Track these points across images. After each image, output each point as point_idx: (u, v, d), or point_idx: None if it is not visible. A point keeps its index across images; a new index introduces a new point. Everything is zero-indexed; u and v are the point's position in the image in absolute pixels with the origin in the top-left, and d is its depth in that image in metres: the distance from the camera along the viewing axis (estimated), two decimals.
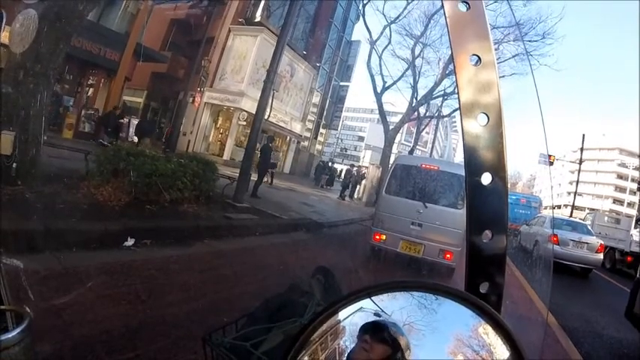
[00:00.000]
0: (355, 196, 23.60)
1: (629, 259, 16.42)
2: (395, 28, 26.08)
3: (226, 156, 22.79)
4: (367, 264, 8.31)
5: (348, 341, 0.74)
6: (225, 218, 8.55)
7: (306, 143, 32.33)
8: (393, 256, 8.24)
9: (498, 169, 0.92)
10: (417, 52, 26.38)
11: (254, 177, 12.40)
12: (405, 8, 25.21)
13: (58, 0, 6.96)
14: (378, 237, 8.40)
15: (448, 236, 8.08)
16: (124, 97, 19.77)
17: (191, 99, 21.98)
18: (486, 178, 0.92)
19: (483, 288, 0.90)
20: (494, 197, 0.93)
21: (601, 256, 13.75)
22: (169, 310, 4.01)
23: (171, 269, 5.35)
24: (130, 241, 5.63)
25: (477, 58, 0.91)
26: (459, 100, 0.92)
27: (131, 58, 18.81)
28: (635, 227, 20.83)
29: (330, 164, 31.05)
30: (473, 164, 0.93)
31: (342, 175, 25.94)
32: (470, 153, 0.93)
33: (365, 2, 25.97)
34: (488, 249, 0.91)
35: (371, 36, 25.55)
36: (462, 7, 0.91)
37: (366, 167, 25.77)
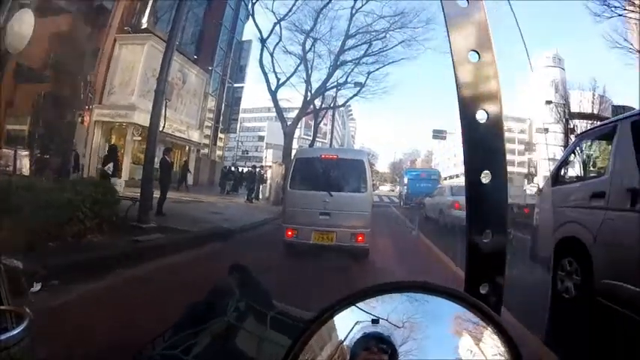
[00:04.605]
0: (262, 196, 23.55)
1: (525, 210, 17.70)
2: (285, 25, 26.19)
3: (125, 176, 21.44)
4: (284, 261, 8.48)
5: (346, 345, 0.73)
6: (134, 242, 8.23)
7: (206, 151, 31.68)
8: (308, 249, 8.39)
9: (498, 167, 0.91)
10: (308, 47, 26.83)
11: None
12: (294, 4, 25.42)
13: None
14: (290, 233, 8.55)
15: (357, 220, 8.38)
16: (6, 126, 18.21)
17: (80, 119, 20.48)
18: (486, 177, 0.91)
19: (483, 289, 0.90)
20: (493, 196, 0.92)
21: None
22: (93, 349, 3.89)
23: (85, 307, 5.11)
24: (37, 287, 5.19)
25: (475, 54, 0.91)
26: (458, 97, 0.92)
27: (12, 81, 17.24)
28: (528, 183, 22.43)
29: (232, 169, 30.68)
30: (472, 162, 0.92)
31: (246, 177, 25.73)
32: (469, 151, 0.92)
33: (254, 1, 25.79)
34: (488, 249, 0.91)
35: (261, 34, 25.40)
36: (462, 3, 0.91)
37: (269, 166, 25.77)
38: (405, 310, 0.74)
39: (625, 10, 18.64)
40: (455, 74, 0.91)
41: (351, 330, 0.73)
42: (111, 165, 13.75)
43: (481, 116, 0.90)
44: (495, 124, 0.90)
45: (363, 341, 0.72)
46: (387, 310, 0.74)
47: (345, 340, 0.73)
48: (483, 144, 0.91)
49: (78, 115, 20.24)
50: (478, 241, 0.91)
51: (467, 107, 0.91)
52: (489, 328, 0.73)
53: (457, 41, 0.91)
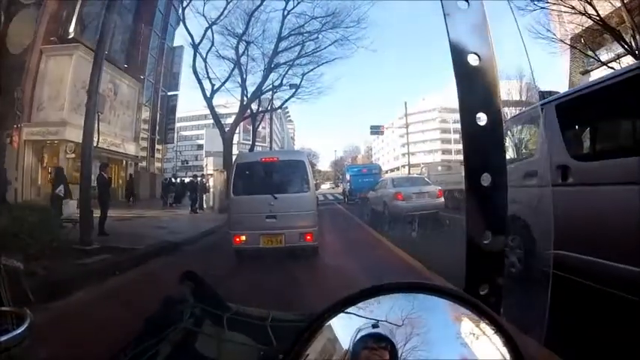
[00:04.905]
0: (206, 205, 23.28)
1: None
2: (217, 29, 25.97)
3: None
4: (236, 268, 8.42)
5: (346, 346, 0.73)
6: (79, 266, 7.86)
7: (144, 163, 30.75)
8: (258, 253, 8.42)
9: (498, 169, 0.91)
10: (241, 51, 26.64)
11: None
12: (226, 8, 25.07)
13: None
14: (238, 239, 8.51)
15: (303, 219, 8.50)
16: None
17: (8, 139, 18.92)
18: (486, 179, 0.90)
19: (483, 289, 0.91)
20: (493, 198, 0.91)
21: (442, 199, 15.34)
22: None
23: (39, 340, 4.83)
24: None
25: (476, 56, 0.90)
26: (458, 100, 0.91)
27: None
28: None
29: (173, 180, 30.02)
30: (472, 165, 0.92)
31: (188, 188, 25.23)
32: (469, 153, 0.92)
33: (184, 6, 25.27)
34: (487, 250, 0.91)
35: (193, 40, 24.86)
36: (462, 5, 0.91)
37: (211, 174, 25.44)
38: (405, 309, 0.74)
39: (547, 2, 19.66)
40: (455, 77, 0.91)
41: (350, 331, 0.73)
42: (61, 187, 13.28)
43: (481, 119, 0.90)
44: (495, 127, 0.91)
45: (362, 341, 0.72)
46: (385, 311, 0.74)
47: (344, 341, 0.73)
48: (483, 146, 0.91)
49: (6, 135, 18.88)
50: (477, 242, 0.92)
51: (467, 110, 0.91)
52: (490, 328, 0.73)
53: (457, 44, 0.92)
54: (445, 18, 0.91)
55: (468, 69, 0.91)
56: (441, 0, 0.91)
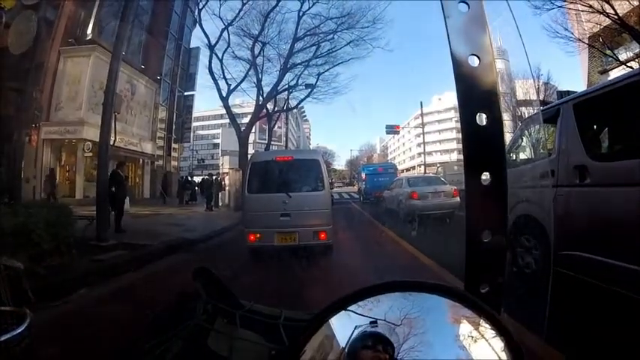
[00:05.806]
0: (222, 203, 23.38)
1: None
2: (233, 30, 26.04)
3: (79, 195, 21.03)
4: (250, 266, 8.47)
5: (345, 345, 0.73)
6: (95, 262, 8.00)
7: (160, 162, 30.99)
8: (272, 251, 8.40)
9: (498, 168, 0.91)
10: (257, 51, 26.63)
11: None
12: (241, 9, 25.15)
13: None
14: (253, 237, 8.55)
15: (317, 218, 8.51)
16: None
17: (27, 138, 19.12)
18: (486, 178, 0.91)
19: (483, 288, 0.91)
20: (493, 197, 0.92)
21: (458, 199, 14.93)
22: None
23: (51, 336, 4.88)
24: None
25: (476, 58, 0.91)
26: (458, 100, 0.92)
27: None
28: None
29: (189, 178, 30.24)
30: (472, 164, 0.92)
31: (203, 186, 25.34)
32: (469, 152, 0.92)
33: (200, 7, 25.39)
34: (487, 249, 0.91)
35: (209, 41, 24.92)
36: (462, 8, 0.92)
37: (226, 173, 25.54)
38: (404, 308, 0.75)
39: (565, 1, 19.30)
40: (455, 77, 0.92)
41: (349, 329, 0.74)
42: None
43: (481, 119, 0.91)
44: (495, 127, 0.91)
45: (360, 340, 0.73)
46: (384, 309, 0.74)
47: (342, 339, 0.74)
48: (483, 146, 0.91)
49: (25, 134, 19.08)
50: (477, 241, 0.92)
51: (467, 110, 0.92)
52: (490, 327, 0.74)
53: (457, 45, 0.92)
54: (445, 20, 0.92)
55: (469, 70, 0.92)
56: (441, 2, 0.92)
